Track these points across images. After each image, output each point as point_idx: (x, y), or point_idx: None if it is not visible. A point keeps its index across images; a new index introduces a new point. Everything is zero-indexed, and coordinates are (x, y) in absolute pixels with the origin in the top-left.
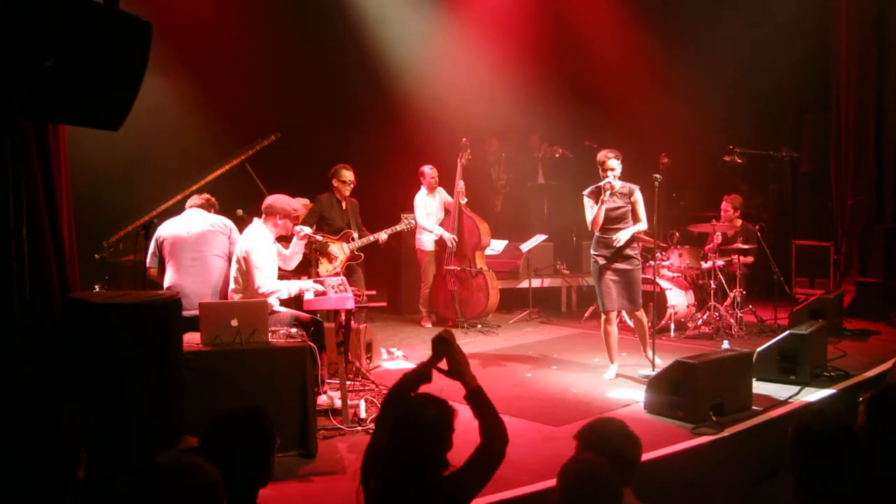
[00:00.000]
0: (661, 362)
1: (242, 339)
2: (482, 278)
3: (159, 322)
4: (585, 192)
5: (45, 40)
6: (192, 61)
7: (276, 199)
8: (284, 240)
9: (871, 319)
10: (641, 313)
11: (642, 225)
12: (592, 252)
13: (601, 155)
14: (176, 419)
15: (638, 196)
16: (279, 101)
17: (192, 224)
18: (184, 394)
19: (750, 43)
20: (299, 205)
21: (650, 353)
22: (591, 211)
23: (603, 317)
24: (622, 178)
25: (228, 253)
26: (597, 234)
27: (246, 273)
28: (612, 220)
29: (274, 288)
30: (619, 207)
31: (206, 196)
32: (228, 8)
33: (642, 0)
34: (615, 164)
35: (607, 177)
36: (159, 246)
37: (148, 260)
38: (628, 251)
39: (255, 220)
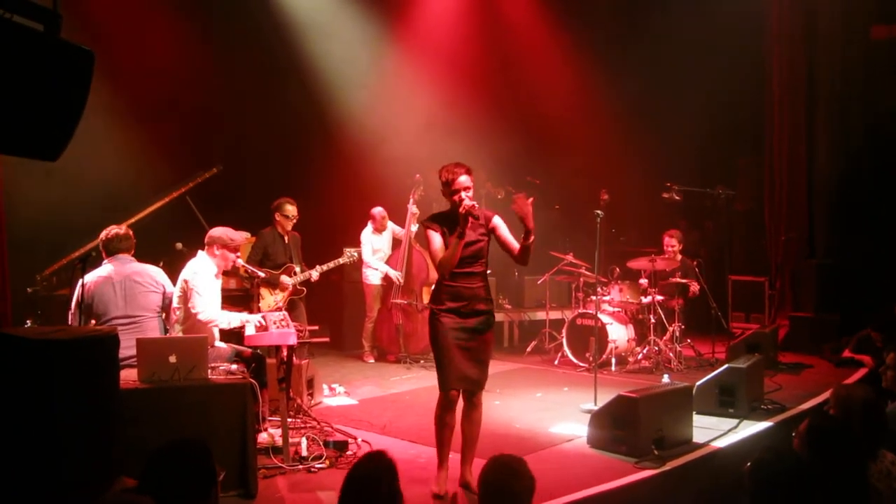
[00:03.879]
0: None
1: (181, 375)
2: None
3: (96, 358)
4: (427, 220)
5: None
6: (134, 91)
7: (216, 230)
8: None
9: (804, 353)
10: (480, 409)
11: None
12: (433, 305)
13: (446, 172)
14: (111, 459)
15: (498, 222)
16: (222, 133)
17: (121, 283)
18: (120, 433)
19: (689, 88)
20: (239, 236)
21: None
22: (440, 246)
23: (440, 400)
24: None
25: (163, 309)
26: (443, 281)
27: (186, 300)
28: (463, 262)
29: (213, 317)
30: (474, 242)
31: (119, 231)
32: (174, 39)
33: (587, 43)
34: (467, 181)
35: (461, 200)
36: (87, 304)
37: (69, 318)
38: (482, 304)
39: (200, 251)
